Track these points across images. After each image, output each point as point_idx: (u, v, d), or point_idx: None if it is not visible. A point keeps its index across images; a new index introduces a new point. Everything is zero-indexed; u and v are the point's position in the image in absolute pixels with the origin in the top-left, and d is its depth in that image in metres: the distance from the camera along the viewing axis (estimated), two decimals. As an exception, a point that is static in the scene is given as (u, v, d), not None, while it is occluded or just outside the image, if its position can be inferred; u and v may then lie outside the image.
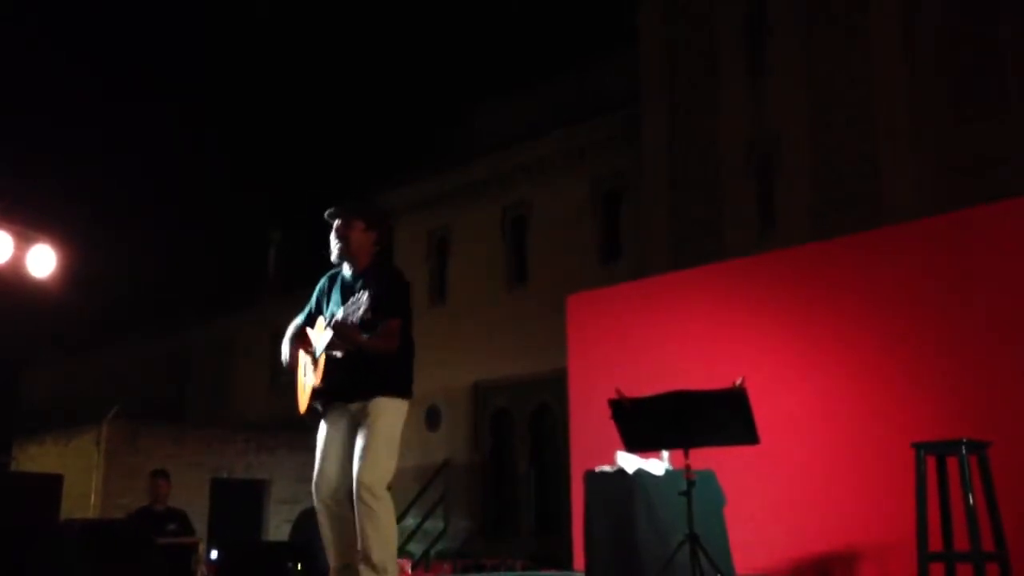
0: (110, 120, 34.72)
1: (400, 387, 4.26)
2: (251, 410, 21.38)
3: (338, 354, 4.13)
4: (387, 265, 4.45)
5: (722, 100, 14.08)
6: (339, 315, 4.15)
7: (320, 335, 4.25)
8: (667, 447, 5.84)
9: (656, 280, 9.73)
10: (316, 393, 4.25)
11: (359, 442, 4.14)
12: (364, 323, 4.16)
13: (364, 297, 4.12)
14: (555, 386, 13.38)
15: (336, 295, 4.40)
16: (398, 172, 19.52)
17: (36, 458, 16.43)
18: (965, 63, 11.79)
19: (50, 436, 16.81)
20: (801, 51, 13.32)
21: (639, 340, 8.05)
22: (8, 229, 7.32)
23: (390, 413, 4.20)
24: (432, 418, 17.30)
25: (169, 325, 24.77)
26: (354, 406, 4.22)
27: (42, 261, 7.56)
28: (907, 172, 12.07)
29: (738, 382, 5.16)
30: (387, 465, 4.14)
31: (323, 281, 4.54)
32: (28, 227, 7.50)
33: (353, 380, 4.17)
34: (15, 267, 7.47)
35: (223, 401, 22.83)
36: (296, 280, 19.54)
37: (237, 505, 16.25)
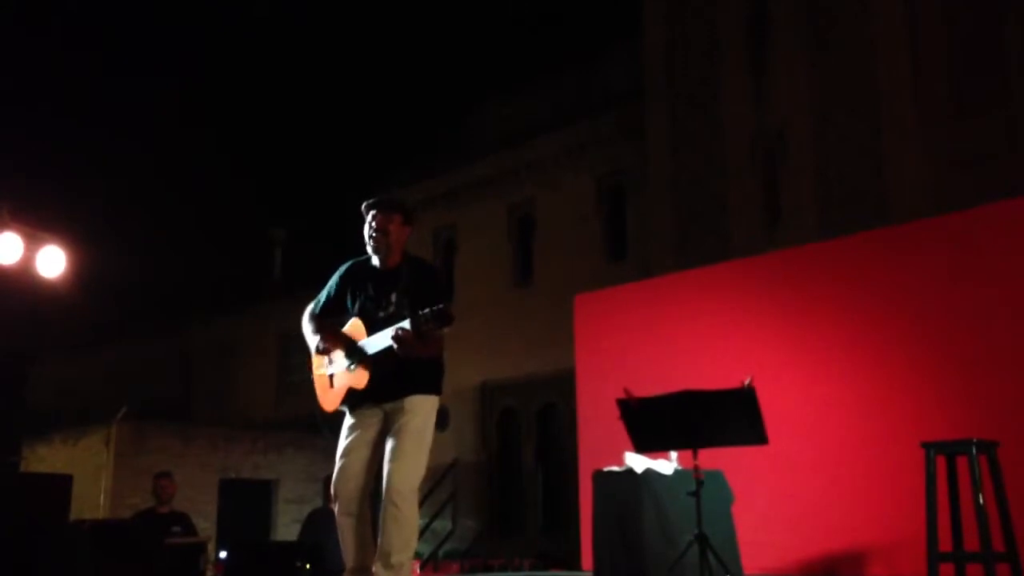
0: (115, 121, 34.80)
1: (435, 384, 4.24)
2: (256, 410, 21.40)
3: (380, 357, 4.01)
4: (427, 262, 4.36)
5: (725, 97, 14.08)
6: (406, 324, 3.86)
7: (372, 337, 4.09)
8: (675, 447, 5.83)
9: (663, 280, 9.73)
10: (354, 394, 4.15)
11: (391, 443, 4.08)
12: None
13: (422, 294, 4.01)
14: (562, 385, 13.38)
15: (370, 289, 4.26)
16: (402, 171, 19.53)
17: (45, 458, 16.45)
18: (969, 59, 11.78)
19: (59, 436, 16.84)
20: (804, 47, 13.31)
21: (647, 339, 8.05)
22: (18, 230, 7.35)
23: (423, 411, 4.15)
24: (440, 418, 17.20)
25: (174, 325, 24.81)
26: (388, 405, 4.15)
27: (51, 262, 7.59)
28: (912, 168, 12.07)
29: (747, 382, 5.15)
30: (420, 467, 4.10)
31: (347, 268, 4.39)
32: (38, 228, 7.53)
33: (394, 379, 4.08)
34: (25, 268, 7.50)
35: (228, 401, 22.86)
36: (301, 280, 19.55)
37: (245, 505, 16.27)
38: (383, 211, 4.25)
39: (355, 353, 4.14)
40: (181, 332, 24.69)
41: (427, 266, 4.35)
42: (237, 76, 37.52)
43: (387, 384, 4.10)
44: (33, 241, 7.51)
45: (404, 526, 3.99)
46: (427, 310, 3.77)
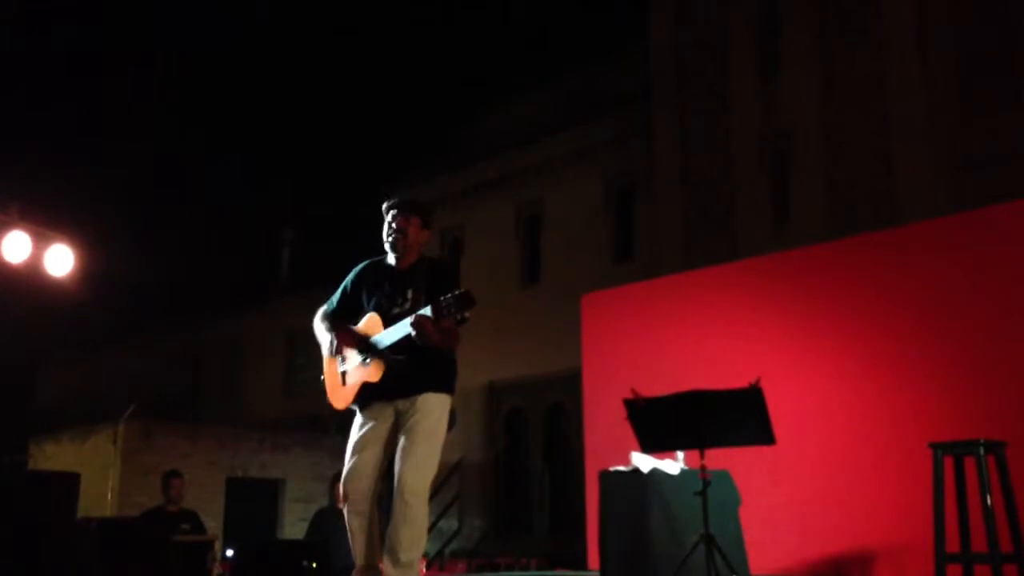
0: (123, 120, 34.91)
1: (448, 383, 4.25)
2: (264, 409, 21.44)
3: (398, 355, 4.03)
4: (442, 262, 4.46)
5: (734, 98, 14.06)
6: (426, 311, 3.89)
7: (388, 330, 4.09)
8: (682, 447, 5.82)
9: (671, 279, 9.72)
10: (368, 389, 4.15)
11: (403, 441, 4.09)
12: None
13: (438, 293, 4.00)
14: (569, 385, 13.38)
15: (386, 287, 4.28)
16: (411, 171, 19.56)
17: (53, 457, 16.49)
18: (978, 58, 11.76)
19: (67, 435, 16.88)
20: (813, 48, 13.30)
21: (653, 339, 8.04)
22: (26, 229, 7.37)
23: (436, 410, 4.17)
24: (448, 418, 17.30)
25: (182, 324, 24.87)
26: (400, 402, 4.15)
27: (60, 261, 7.61)
28: (921, 168, 12.04)
29: (754, 381, 5.14)
30: (432, 464, 4.13)
31: (362, 268, 4.43)
32: (46, 227, 7.54)
33: (407, 376, 4.10)
34: (33, 266, 7.52)
35: (236, 400, 22.91)
36: (309, 279, 19.58)
37: (252, 504, 16.29)
38: (403, 212, 4.36)
39: (370, 347, 4.15)
40: (189, 331, 24.74)
41: (443, 264, 4.50)
42: (248, 75, 37.63)
43: (400, 380, 4.11)
44: (41, 240, 7.52)
45: (414, 524, 4.01)
46: (448, 295, 3.83)
